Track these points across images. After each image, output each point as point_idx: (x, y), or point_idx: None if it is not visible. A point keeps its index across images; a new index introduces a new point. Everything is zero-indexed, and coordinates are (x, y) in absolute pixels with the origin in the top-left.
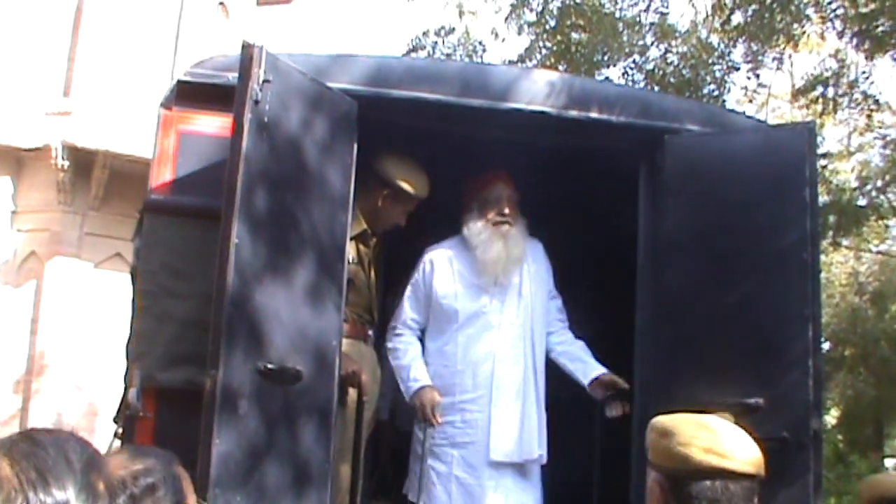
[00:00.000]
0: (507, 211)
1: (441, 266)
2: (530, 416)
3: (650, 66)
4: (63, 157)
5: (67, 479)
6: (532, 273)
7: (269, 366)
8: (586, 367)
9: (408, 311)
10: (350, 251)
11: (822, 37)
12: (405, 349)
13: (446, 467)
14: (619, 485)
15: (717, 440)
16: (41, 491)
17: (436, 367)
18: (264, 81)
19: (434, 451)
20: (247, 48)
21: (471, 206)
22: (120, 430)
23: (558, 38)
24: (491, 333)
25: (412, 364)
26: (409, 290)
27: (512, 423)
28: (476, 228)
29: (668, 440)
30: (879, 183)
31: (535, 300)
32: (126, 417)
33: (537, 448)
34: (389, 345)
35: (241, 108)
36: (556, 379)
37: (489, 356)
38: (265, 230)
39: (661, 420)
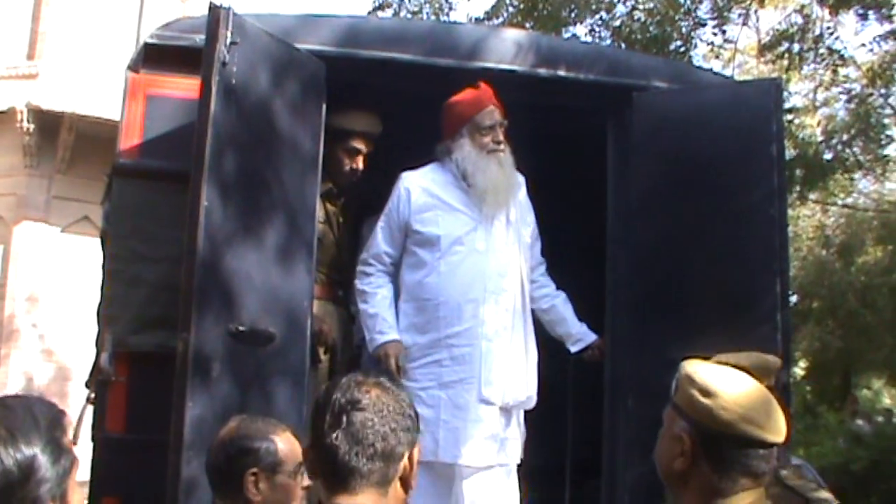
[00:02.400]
0: (501, 138)
1: (419, 191)
2: (519, 354)
3: (617, 23)
4: (28, 120)
5: (34, 436)
6: (518, 204)
7: (241, 328)
8: (571, 333)
9: (381, 243)
10: (317, 210)
11: None
12: (374, 293)
13: (433, 412)
14: (591, 425)
15: (758, 409)
16: (10, 447)
17: (417, 302)
18: (231, 43)
19: (419, 396)
20: (213, 10)
21: (459, 129)
22: (92, 395)
23: None
24: (477, 260)
25: (379, 313)
26: (382, 221)
27: (503, 359)
28: (470, 154)
29: (710, 399)
30: (845, 137)
31: (522, 232)
32: (98, 382)
33: (526, 389)
34: (358, 284)
35: (208, 70)
36: None
37: (476, 285)
38: (234, 192)
39: (700, 374)
